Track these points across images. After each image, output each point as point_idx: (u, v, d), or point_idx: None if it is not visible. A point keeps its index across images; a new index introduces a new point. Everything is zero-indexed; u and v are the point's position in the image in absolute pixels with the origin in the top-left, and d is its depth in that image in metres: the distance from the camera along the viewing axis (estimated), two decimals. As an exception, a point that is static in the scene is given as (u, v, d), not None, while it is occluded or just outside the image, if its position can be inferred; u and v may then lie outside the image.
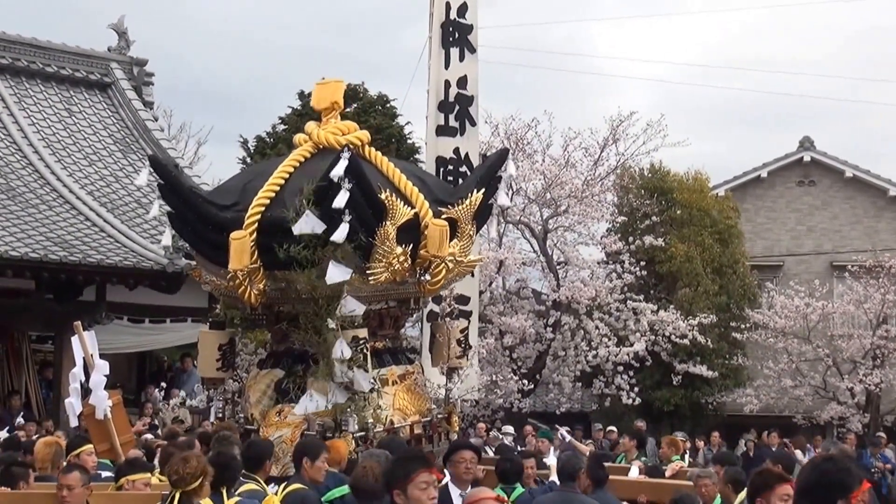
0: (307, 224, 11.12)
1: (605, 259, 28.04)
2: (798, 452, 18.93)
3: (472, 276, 18.46)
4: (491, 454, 14.10)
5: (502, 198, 13.37)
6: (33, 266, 18.62)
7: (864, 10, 65.52)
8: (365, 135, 12.44)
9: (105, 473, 9.83)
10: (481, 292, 24.26)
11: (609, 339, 25.59)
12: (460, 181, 15.92)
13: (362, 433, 11.46)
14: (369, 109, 31.68)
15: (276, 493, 8.13)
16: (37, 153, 22.13)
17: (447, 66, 18.77)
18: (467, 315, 17.45)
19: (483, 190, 12.62)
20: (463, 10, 18.86)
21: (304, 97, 33.33)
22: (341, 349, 10.93)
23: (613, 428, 21.72)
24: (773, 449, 20.52)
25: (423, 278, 12.05)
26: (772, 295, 28.62)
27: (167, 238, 13.07)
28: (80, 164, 22.79)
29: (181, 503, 7.18)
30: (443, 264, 11.97)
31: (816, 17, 68.42)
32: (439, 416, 12.97)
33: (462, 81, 18.84)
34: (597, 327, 25.69)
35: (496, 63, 54.92)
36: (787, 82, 64.76)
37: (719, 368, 27.20)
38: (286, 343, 12.47)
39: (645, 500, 10.51)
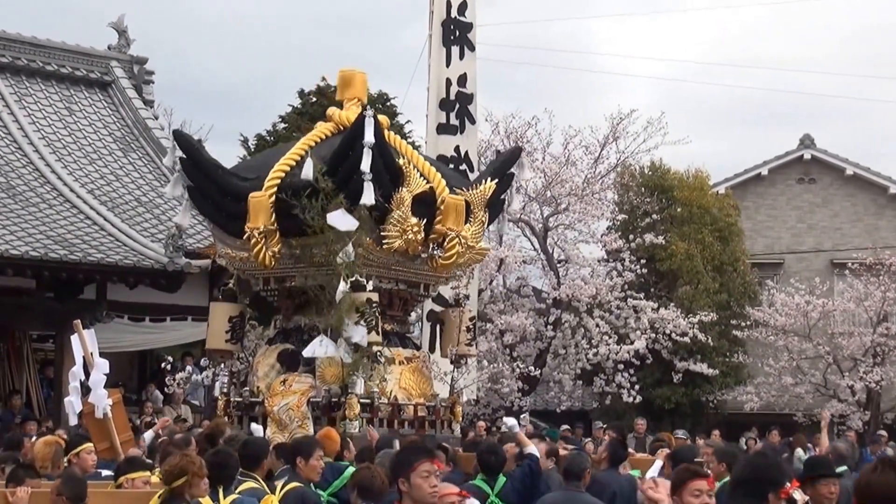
0: (342, 221, 11.32)
1: (605, 257, 28.03)
2: (799, 450, 18.90)
3: (473, 275, 18.53)
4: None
5: (515, 202, 13.55)
6: (34, 265, 18.63)
7: (864, 8, 65.51)
8: (384, 119, 12.67)
9: (105, 472, 9.84)
10: (481, 290, 24.28)
11: (609, 337, 25.60)
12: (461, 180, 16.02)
13: (367, 401, 11.58)
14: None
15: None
16: (37, 152, 22.13)
17: (448, 64, 18.80)
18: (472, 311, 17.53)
19: (496, 181, 12.81)
20: (463, 7, 18.90)
21: (303, 95, 33.34)
22: (342, 288, 11.09)
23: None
24: (775, 447, 20.53)
25: (435, 253, 12.22)
26: (772, 293, 28.60)
27: (183, 216, 13.25)
28: (81, 163, 22.79)
29: (171, 499, 7.19)
30: (456, 240, 12.14)
31: (817, 15, 68.49)
32: (444, 404, 13.10)
33: (462, 79, 18.88)
34: (597, 325, 25.69)
35: (497, 61, 54.93)
36: (787, 80, 64.82)
37: (720, 366, 27.19)
38: (295, 320, 12.64)
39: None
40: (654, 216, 27.85)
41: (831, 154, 33.01)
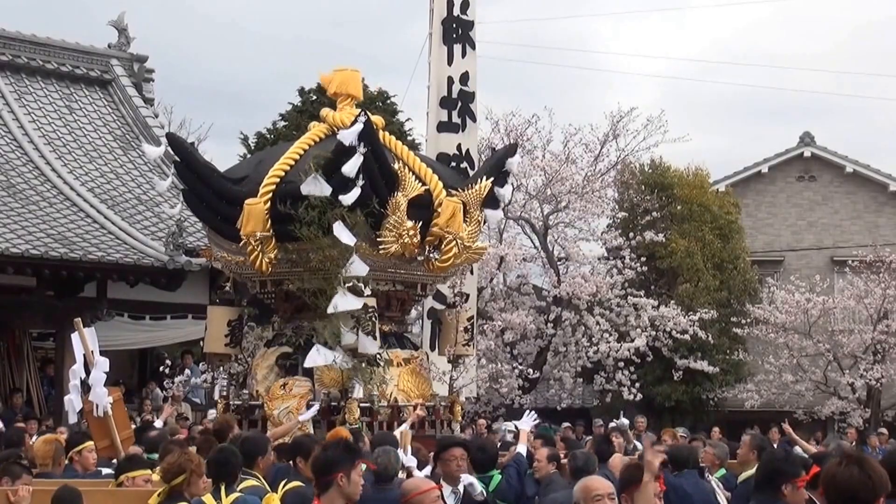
0: (315, 186, 11.33)
1: (605, 255, 28.04)
2: (797, 448, 18.92)
3: (472, 273, 18.54)
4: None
5: (506, 194, 13.52)
6: (34, 263, 18.64)
7: (864, 5, 65.46)
8: (379, 119, 12.64)
9: (105, 471, 9.85)
10: (482, 288, 24.29)
11: (610, 335, 25.62)
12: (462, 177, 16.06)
13: (367, 404, 11.59)
14: (369, 105, 31.64)
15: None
16: (37, 150, 22.13)
17: (450, 62, 18.78)
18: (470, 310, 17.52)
19: (491, 179, 12.81)
20: (465, 6, 18.90)
21: (304, 93, 33.36)
22: (347, 301, 11.08)
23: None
24: (775, 445, 20.54)
25: (432, 255, 12.22)
26: (772, 290, 28.59)
27: (176, 209, 13.27)
28: (81, 161, 22.80)
29: (170, 497, 7.19)
30: (454, 242, 12.14)
31: (817, 12, 68.37)
32: (443, 403, 13.11)
33: (464, 77, 18.88)
34: (597, 323, 25.70)
35: (497, 59, 54.93)
36: (787, 77, 64.84)
37: (720, 364, 27.19)
38: (293, 323, 12.64)
39: None
40: (655, 214, 27.84)
41: (831, 151, 32.99)
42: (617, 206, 28.22)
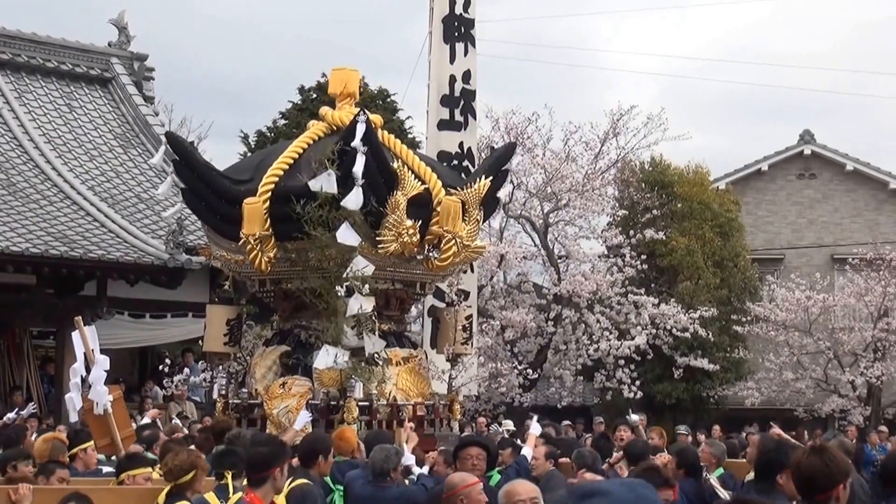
0: (325, 183, 11.32)
1: (605, 253, 28.06)
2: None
3: (472, 271, 18.55)
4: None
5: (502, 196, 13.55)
6: (34, 261, 18.63)
7: (864, 4, 65.45)
8: (378, 118, 12.64)
9: (106, 469, 9.85)
10: (482, 286, 24.31)
11: (610, 333, 25.63)
12: (463, 176, 16.12)
13: (366, 403, 11.60)
14: (369, 104, 31.68)
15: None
16: (37, 149, 22.13)
17: (452, 60, 18.77)
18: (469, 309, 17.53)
19: (490, 178, 12.81)
20: (467, 4, 18.91)
21: (304, 92, 33.37)
22: (360, 304, 11.10)
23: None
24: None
25: (431, 254, 12.22)
26: (773, 288, 28.61)
27: (173, 210, 13.30)
28: (81, 160, 22.79)
29: (174, 496, 7.20)
30: (453, 241, 12.13)
31: (818, 10, 68.38)
32: (442, 402, 13.11)
33: (466, 76, 18.89)
34: (598, 321, 25.71)
35: (497, 57, 54.90)
36: (787, 75, 64.67)
37: (720, 362, 27.19)
38: (292, 322, 12.64)
39: None
40: (655, 212, 27.85)
41: (831, 149, 33.00)
42: (617, 204, 28.23)
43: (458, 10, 18.79)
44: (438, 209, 12.16)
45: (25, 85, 24.01)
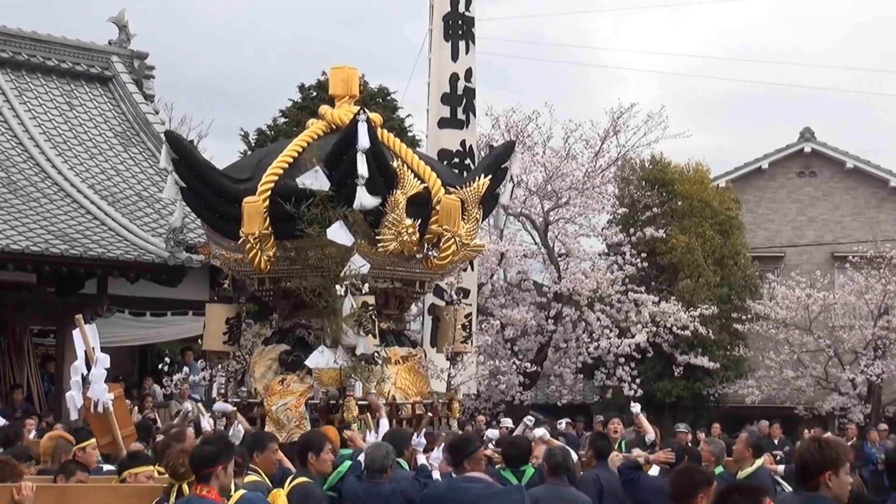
0: (314, 180, 11.34)
1: (606, 251, 28.09)
2: (799, 443, 18.93)
3: (472, 269, 18.54)
4: (491, 447, 14.13)
5: (504, 197, 13.53)
6: (34, 259, 18.61)
7: (865, 3, 65.46)
8: (377, 117, 12.64)
9: (106, 467, 9.86)
10: (482, 284, 24.32)
11: (610, 331, 25.63)
12: (465, 174, 16.14)
13: (365, 402, 11.62)
14: (369, 102, 31.69)
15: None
16: (38, 147, 22.12)
17: (454, 58, 18.77)
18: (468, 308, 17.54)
19: (489, 177, 12.81)
20: (469, 1, 18.91)
21: (304, 90, 33.37)
22: (351, 303, 11.12)
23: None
24: (776, 441, 20.54)
25: (430, 253, 12.23)
26: (773, 286, 28.62)
27: (178, 217, 13.31)
28: (81, 158, 22.78)
29: (182, 494, 7.22)
30: (452, 240, 12.14)
31: (818, 8, 68.39)
32: (441, 401, 13.11)
33: (468, 74, 18.89)
34: (598, 319, 25.71)
35: (497, 55, 54.87)
36: (788, 74, 64.71)
37: (721, 360, 27.22)
38: (291, 320, 12.65)
39: None
40: (655, 210, 27.86)
41: (832, 147, 33.00)
42: (617, 202, 28.24)
43: (461, 8, 18.79)
44: (438, 208, 12.16)
45: (26, 83, 24.00)
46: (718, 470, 10.77)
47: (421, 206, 12.15)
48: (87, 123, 23.99)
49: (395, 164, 12.11)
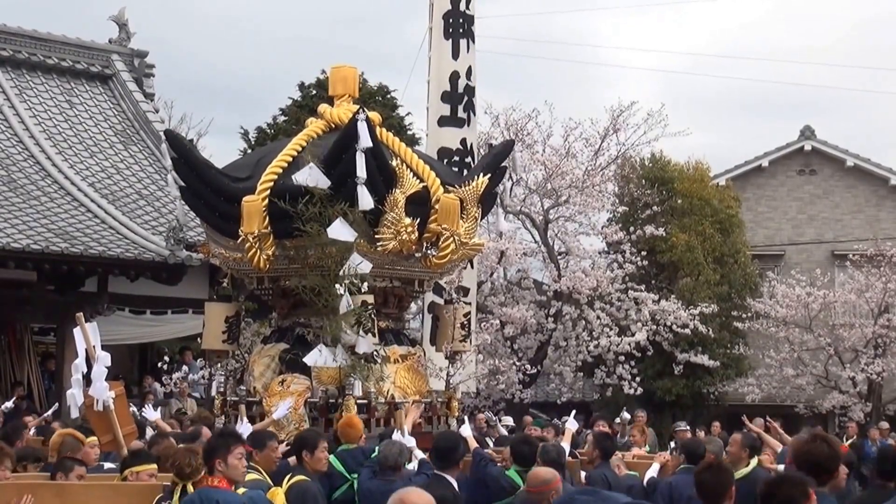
0: (311, 177, 11.34)
1: (606, 249, 28.08)
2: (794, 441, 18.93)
3: (472, 267, 18.54)
4: (491, 445, 14.15)
5: (505, 197, 13.55)
6: (35, 258, 18.63)
7: (865, 1, 65.44)
8: (376, 115, 12.64)
9: (107, 465, 9.86)
10: (482, 283, 24.31)
11: (610, 329, 25.62)
12: (465, 173, 16.12)
13: (364, 401, 11.64)
14: (369, 100, 31.69)
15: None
16: (38, 145, 22.13)
17: (455, 56, 18.74)
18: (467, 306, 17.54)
19: (489, 175, 12.82)
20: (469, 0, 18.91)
21: (304, 88, 33.36)
22: (348, 301, 11.13)
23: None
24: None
25: (429, 252, 12.25)
26: (773, 284, 28.63)
27: (180, 213, 13.32)
28: (82, 156, 22.79)
29: (186, 493, 7.25)
30: (451, 239, 12.15)
31: (819, 6, 68.38)
32: (440, 400, 13.13)
33: (469, 72, 18.87)
34: (598, 317, 25.70)
35: (497, 53, 54.83)
36: (788, 71, 64.70)
37: (721, 358, 27.21)
38: (291, 319, 12.65)
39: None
40: (655, 208, 27.86)
41: (832, 145, 33.01)
42: (617, 201, 28.23)
43: (462, 6, 18.77)
44: (437, 207, 12.17)
45: (26, 81, 24.01)
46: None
47: (420, 204, 12.14)
48: (87, 122, 24.00)
49: (394, 163, 12.11)
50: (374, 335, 11.68)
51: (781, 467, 13.49)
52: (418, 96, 32.79)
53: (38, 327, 22.37)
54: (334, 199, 11.49)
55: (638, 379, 25.67)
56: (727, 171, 32.54)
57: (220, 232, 12.59)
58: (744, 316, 27.53)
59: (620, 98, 33.90)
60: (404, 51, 73.41)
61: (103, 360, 10.23)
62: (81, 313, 10.89)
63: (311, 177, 11.44)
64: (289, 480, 8.33)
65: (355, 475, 9.31)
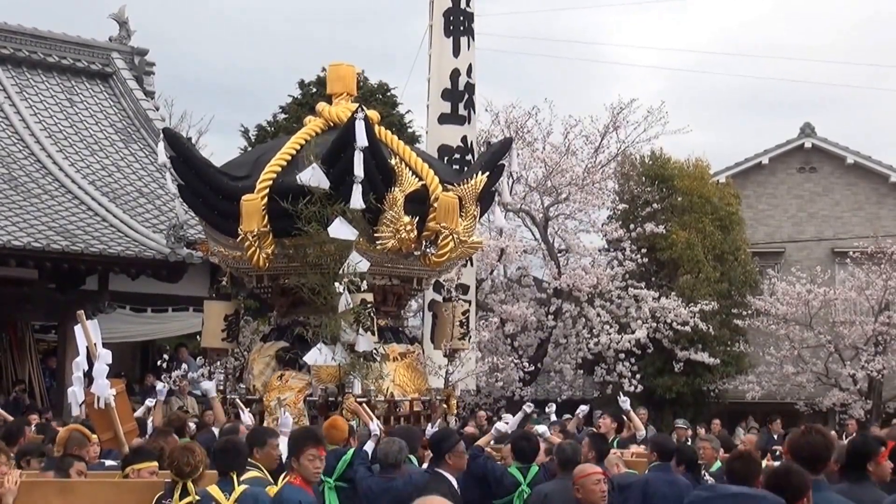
0: (314, 177, 11.36)
1: (606, 246, 28.07)
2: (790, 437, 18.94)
3: (472, 265, 18.56)
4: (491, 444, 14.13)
5: (506, 195, 13.56)
6: (36, 256, 18.66)
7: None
8: (375, 114, 12.66)
9: (108, 462, 9.88)
10: (482, 280, 24.33)
11: (610, 327, 25.64)
12: (465, 170, 16.16)
13: (364, 399, 11.66)
14: (369, 98, 31.68)
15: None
16: (39, 143, 22.14)
17: (456, 54, 18.77)
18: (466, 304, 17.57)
19: (487, 174, 12.83)
20: None
21: (304, 86, 33.34)
22: (347, 299, 11.16)
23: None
24: (775, 437, 20.53)
25: (428, 250, 12.27)
26: (773, 281, 28.63)
27: (179, 211, 13.36)
28: (82, 154, 22.81)
29: (186, 492, 7.26)
30: (450, 237, 12.17)
31: (819, 4, 68.32)
32: (438, 397, 13.14)
33: (470, 69, 18.90)
34: (598, 315, 25.73)
35: (497, 51, 54.83)
36: (788, 69, 64.78)
37: (721, 355, 27.20)
38: (290, 317, 12.67)
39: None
40: (655, 205, 27.85)
41: (832, 143, 32.99)
42: (617, 198, 28.22)
43: (462, 4, 18.79)
44: (436, 205, 12.18)
45: (27, 80, 24.02)
46: (717, 466, 10.82)
47: (419, 203, 12.16)
48: (87, 120, 24.02)
49: (392, 161, 12.12)
50: (373, 333, 11.70)
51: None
52: (419, 94, 32.78)
53: (40, 325, 22.40)
54: (333, 197, 11.50)
55: (638, 376, 25.68)
56: (727, 169, 32.53)
57: (220, 230, 12.60)
58: (744, 313, 27.53)
59: (620, 96, 33.98)
60: (405, 49, 73.43)
61: (104, 357, 10.25)
62: (82, 311, 10.91)
63: (315, 177, 11.46)
64: (284, 478, 8.32)
65: (329, 479, 9.27)
